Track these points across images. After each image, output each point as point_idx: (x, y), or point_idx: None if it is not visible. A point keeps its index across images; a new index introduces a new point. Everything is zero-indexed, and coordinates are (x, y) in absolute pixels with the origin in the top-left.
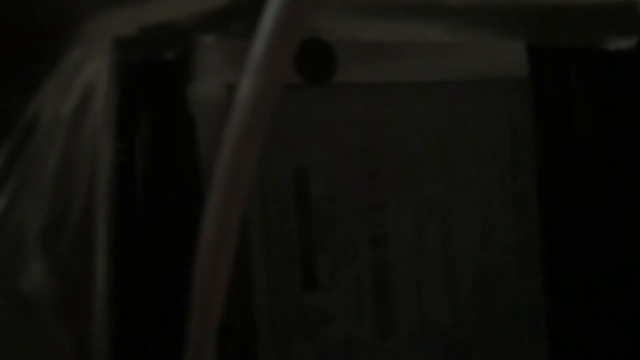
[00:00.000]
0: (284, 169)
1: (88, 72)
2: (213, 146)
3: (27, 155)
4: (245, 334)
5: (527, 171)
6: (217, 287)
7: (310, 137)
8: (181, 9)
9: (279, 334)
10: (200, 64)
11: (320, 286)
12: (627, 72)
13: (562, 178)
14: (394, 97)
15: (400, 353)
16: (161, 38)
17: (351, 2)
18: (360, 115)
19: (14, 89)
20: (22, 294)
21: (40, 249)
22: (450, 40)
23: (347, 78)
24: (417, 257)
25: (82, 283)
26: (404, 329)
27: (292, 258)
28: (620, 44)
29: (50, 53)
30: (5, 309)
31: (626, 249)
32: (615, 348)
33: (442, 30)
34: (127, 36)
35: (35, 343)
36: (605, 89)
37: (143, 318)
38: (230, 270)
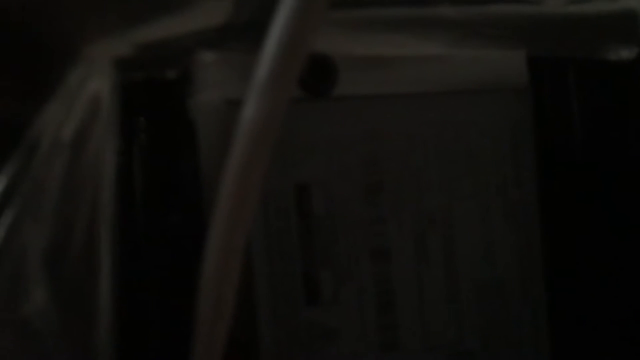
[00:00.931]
0: (286, 184)
1: (89, 94)
2: (215, 162)
3: (29, 179)
4: (249, 350)
5: (527, 181)
6: (222, 314)
7: (311, 151)
8: (181, 28)
9: (283, 349)
10: (201, 81)
11: (324, 301)
12: (628, 82)
13: (563, 187)
14: (393, 110)
15: None
16: (162, 57)
17: (350, 17)
18: (360, 129)
19: (19, 108)
20: (26, 318)
21: (43, 273)
22: (449, 52)
23: (347, 91)
24: (419, 270)
25: (85, 306)
26: (408, 342)
27: (295, 273)
28: (621, 54)
29: (53, 76)
30: (9, 334)
31: (628, 258)
32: (618, 356)
33: (442, 43)
34: (128, 57)
35: None
36: (606, 99)
37: (147, 340)
38: (235, 300)
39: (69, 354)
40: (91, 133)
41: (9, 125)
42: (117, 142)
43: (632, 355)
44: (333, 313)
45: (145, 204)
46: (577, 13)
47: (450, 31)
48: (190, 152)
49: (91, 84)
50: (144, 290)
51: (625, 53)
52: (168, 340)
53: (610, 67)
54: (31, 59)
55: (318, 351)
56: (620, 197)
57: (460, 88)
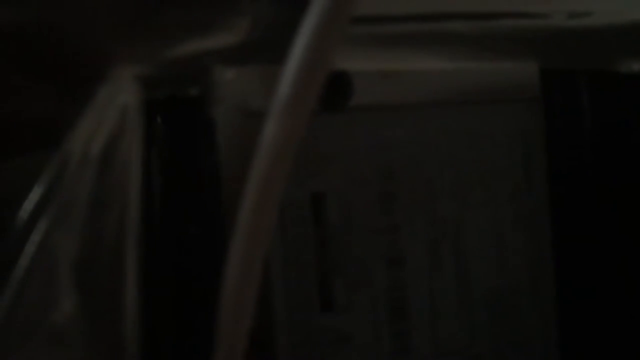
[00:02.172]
0: (302, 193)
1: (117, 111)
2: (235, 173)
3: (60, 192)
4: (265, 355)
5: (539, 189)
6: (242, 321)
7: (327, 161)
8: (201, 47)
9: (298, 355)
10: (222, 95)
11: (338, 308)
12: (638, 94)
13: (573, 195)
14: (407, 120)
15: None
16: (184, 75)
17: (365, 33)
18: (374, 139)
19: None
20: (56, 326)
21: (73, 282)
22: (463, 66)
23: (362, 103)
24: (432, 277)
25: (112, 314)
26: (420, 348)
27: (311, 280)
28: (632, 66)
29: (84, 91)
30: (39, 341)
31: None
32: None
33: (455, 57)
34: (153, 75)
35: None
36: (616, 110)
37: (173, 345)
38: (254, 307)
39: (97, 359)
40: (118, 148)
41: (49, 124)
42: (142, 156)
43: None
44: (347, 319)
45: (168, 214)
46: (589, 26)
47: (462, 45)
48: (211, 163)
49: (118, 102)
50: (168, 297)
51: (636, 65)
52: (193, 345)
53: (621, 79)
54: (67, 73)
55: (332, 357)
56: (630, 205)
57: (473, 99)
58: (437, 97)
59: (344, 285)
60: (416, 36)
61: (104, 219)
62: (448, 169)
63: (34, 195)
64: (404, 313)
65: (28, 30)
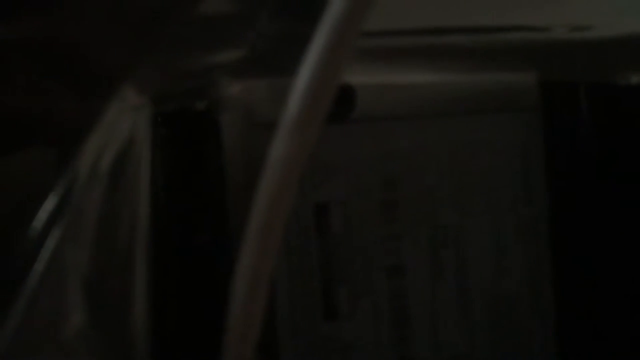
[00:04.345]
0: (306, 204)
1: (125, 126)
2: (242, 185)
3: (70, 206)
4: None
5: (538, 199)
6: (250, 333)
7: (330, 172)
8: (208, 61)
9: None
10: (228, 108)
11: (341, 316)
12: (637, 106)
13: (572, 205)
14: (409, 131)
15: None
16: (191, 89)
17: (367, 46)
18: (377, 150)
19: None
20: (65, 339)
21: (82, 297)
22: (464, 78)
23: (365, 114)
24: (433, 286)
25: (122, 329)
26: (421, 354)
27: (314, 289)
28: (631, 78)
29: (92, 107)
30: (48, 355)
31: (638, 274)
32: None
33: (456, 69)
34: (161, 90)
35: None
36: (615, 122)
37: (183, 359)
38: (261, 323)
39: None
40: (127, 162)
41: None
42: (151, 170)
43: None
44: (350, 327)
45: (176, 226)
46: (588, 39)
47: (463, 58)
48: (218, 174)
49: (127, 117)
50: (178, 309)
51: (635, 78)
52: (201, 357)
53: (620, 91)
54: (78, 85)
55: None
56: (630, 215)
57: (474, 110)
58: (438, 108)
59: (347, 293)
60: (418, 49)
61: (114, 233)
62: (449, 178)
63: (48, 205)
64: (405, 321)
65: (41, 43)
